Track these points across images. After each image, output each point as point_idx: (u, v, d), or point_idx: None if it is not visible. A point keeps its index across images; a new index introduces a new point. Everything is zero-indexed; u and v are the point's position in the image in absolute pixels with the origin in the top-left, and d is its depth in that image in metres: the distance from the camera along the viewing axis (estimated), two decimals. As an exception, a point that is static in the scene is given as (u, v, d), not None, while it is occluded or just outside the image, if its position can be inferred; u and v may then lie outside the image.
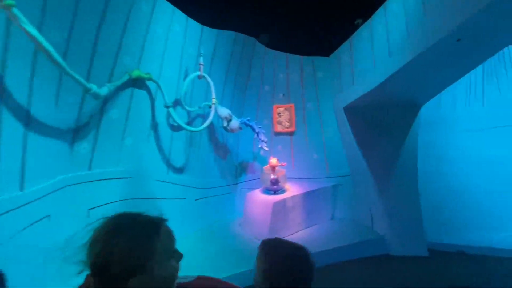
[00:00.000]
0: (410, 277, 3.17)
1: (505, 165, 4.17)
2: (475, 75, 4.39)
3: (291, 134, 4.62)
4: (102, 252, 0.62)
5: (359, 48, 3.69)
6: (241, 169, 4.56)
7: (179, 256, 0.71)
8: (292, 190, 3.91)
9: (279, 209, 3.54)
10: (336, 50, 4.24)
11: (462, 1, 2.00)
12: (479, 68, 4.24)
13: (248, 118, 4.16)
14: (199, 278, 0.86)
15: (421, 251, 3.59)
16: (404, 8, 2.79)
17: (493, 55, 2.96)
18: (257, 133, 4.01)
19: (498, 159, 4.20)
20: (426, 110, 4.19)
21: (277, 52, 4.57)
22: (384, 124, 3.94)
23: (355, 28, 3.70)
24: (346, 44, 3.97)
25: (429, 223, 3.80)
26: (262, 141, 3.98)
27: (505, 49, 4.20)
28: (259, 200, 3.74)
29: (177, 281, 0.72)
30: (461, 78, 3.32)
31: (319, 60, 4.53)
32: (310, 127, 4.57)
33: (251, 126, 4.02)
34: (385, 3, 3.13)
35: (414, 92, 3.53)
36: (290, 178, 4.26)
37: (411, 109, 3.87)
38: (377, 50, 3.26)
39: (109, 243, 0.62)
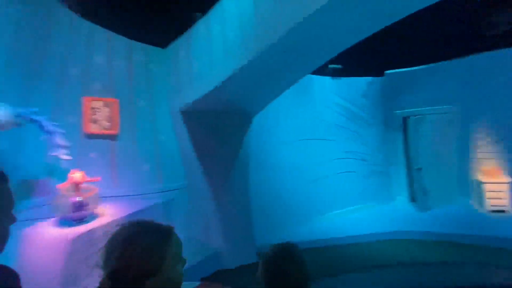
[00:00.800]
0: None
1: (307, 170, 5.31)
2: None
3: (112, 138, 3.52)
4: (122, 257, 0.69)
5: (196, 44, 3.32)
6: (24, 190, 2.91)
7: (183, 261, 0.80)
8: (107, 214, 2.87)
9: (83, 246, 2.42)
10: (173, 42, 3.70)
11: (292, 7, 2.01)
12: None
13: (36, 110, 2.70)
14: (202, 285, 0.94)
15: (252, 257, 3.70)
16: (237, 7, 2.66)
17: (315, 68, 3.22)
18: (48, 133, 2.64)
19: (303, 166, 5.29)
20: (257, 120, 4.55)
21: (93, 25, 3.37)
22: (222, 132, 3.82)
23: (194, 19, 3.31)
24: (184, 37, 3.51)
25: (259, 228, 4.04)
26: (59, 146, 2.67)
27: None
28: (45, 238, 2.41)
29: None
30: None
31: (154, 50, 3.80)
32: (141, 130, 3.71)
33: (37, 122, 2.60)
34: (222, -2, 2.90)
35: (248, 100, 3.62)
36: (109, 198, 3.17)
37: (245, 118, 4.01)
38: (215, 50, 3.00)
39: (128, 249, 0.70)
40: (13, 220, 0.73)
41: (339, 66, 4.93)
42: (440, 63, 5.03)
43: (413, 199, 5.88)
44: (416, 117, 5.42)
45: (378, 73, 5.34)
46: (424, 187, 5.60)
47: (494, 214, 5.10)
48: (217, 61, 2.93)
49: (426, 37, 3.85)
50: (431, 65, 5.10)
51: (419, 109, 5.56)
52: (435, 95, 5.39)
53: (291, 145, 5.04)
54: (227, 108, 3.64)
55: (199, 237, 3.74)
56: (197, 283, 0.93)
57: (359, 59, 4.99)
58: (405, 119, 5.73)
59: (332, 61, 4.98)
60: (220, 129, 3.79)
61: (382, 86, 5.58)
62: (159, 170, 3.78)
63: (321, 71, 5.07)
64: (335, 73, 5.09)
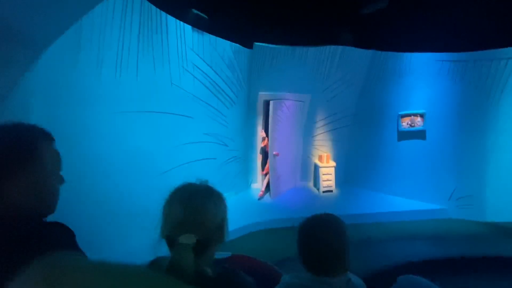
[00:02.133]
0: None
1: (156, 157, 3.68)
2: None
3: None
4: (198, 209, 0.68)
5: None
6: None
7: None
8: None
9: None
10: None
11: None
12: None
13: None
14: (234, 256, 0.97)
15: None
16: None
17: None
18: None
19: (149, 151, 3.60)
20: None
21: None
22: None
23: None
24: None
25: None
26: None
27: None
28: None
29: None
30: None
31: None
32: None
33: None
34: None
35: None
36: None
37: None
38: None
39: (201, 203, 0.70)
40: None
41: (204, 15, 3.61)
42: (303, 47, 4.93)
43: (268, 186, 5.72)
44: (276, 101, 5.13)
45: (248, 43, 4.53)
46: (277, 173, 5.53)
47: (324, 194, 5.81)
48: None
49: (310, 15, 3.41)
50: (296, 47, 4.92)
51: (280, 93, 5.33)
52: (294, 81, 5.32)
53: (129, 119, 3.23)
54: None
55: None
56: (228, 254, 0.95)
57: (229, 16, 3.89)
58: (267, 102, 5.36)
59: (197, 6, 3.57)
60: None
61: (250, 60, 4.87)
62: None
63: (181, 15, 3.54)
64: (198, 23, 3.71)
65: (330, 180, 5.90)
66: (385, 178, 5.79)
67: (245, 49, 4.64)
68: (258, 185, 5.90)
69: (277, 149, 5.37)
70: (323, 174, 5.87)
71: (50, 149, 0.68)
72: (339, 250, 0.85)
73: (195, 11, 3.57)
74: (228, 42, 4.34)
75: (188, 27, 3.78)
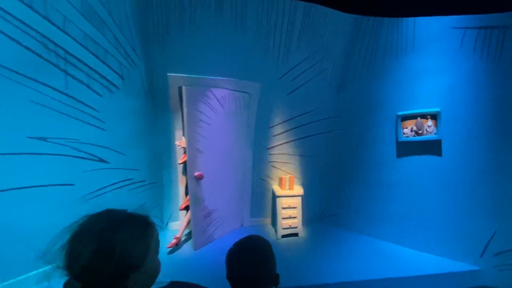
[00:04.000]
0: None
1: None
2: None
3: None
4: (101, 249, 0.59)
5: None
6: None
7: (158, 252, 0.75)
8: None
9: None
10: None
11: None
12: None
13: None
14: (172, 283, 0.84)
15: None
16: None
17: None
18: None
19: None
20: None
21: None
22: None
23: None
24: None
25: None
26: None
27: None
28: None
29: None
30: None
31: None
32: None
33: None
34: None
35: None
36: None
37: None
38: None
39: (108, 240, 0.61)
40: (159, 264, 0.75)
41: None
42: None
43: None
44: (193, 88, 3.11)
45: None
46: (203, 206, 3.39)
47: (285, 240, 3.65)
48: None
49: None
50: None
51: (206, 77, 3.31)
52: (228, 59, 3.32)
53: None
54: None
55: None
56: (167, 282, 0.83)
57: None
58: (180, 90, 3.31)
59: None
60: None
61: (146, 9, 2.85)
62: None
63: None
64: None
65: (294, 218, 3.76)
66: (380, 216, 3.69)
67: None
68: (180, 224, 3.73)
69: (202, 167, 3.27)
70: (283, 208, 3.75)
71: (155, 236, 0.74)
72: (260, 275, 0.86)
73: None
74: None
75: None
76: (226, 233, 3.73)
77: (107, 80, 2.74)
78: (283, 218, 3.73)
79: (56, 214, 2.27)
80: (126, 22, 2.72)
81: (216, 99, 3.31)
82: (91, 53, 2.56)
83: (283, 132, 3.93)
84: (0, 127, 2.11)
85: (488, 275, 2.99)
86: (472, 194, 3.19)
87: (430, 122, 3.49)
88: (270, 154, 3.99)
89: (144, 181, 3.29)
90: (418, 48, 3.48)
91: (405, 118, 3.57)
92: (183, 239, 3.49)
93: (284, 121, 3.90)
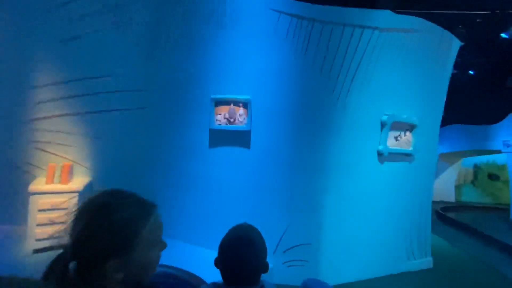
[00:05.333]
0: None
1: None
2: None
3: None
4: (87, 227, 0.58)
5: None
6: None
7: (162, 245, 0.69)
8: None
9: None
10: None
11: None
12: None
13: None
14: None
15: None
16: None
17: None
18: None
19: None
20: None
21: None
22: None
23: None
24: None
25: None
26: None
27: None
28: None
29: None
30: None
31: None
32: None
33: None
34: None
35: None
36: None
37: None
38: None
39: (95, 219, 0.60)
40: (164, 245, 0.71)
41: None
42: None
43: None
44: None
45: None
46: None
47: (37, 257, 2.49)
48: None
49: None
50: None
51: None
52: None
53: None
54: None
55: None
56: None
57: None
58: None
59: None
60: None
61: None
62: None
63: None
64: None
65: (64, 224, 2.62)
66: (187, 217, 3.11)
67: None
68: None
69: None
70: (41, 211, 2.56)
71: (151, 225, 0.66)
72: (250, 264, 0.87)
73: None
74: None
75: None
76: None
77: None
78: (40, 225, 2.56)
79: None
80: None
81: None
82: None
83: (56, 100, 2.70)
84: None
85: (278, 273, 2.88)
86: (271, 189, 3.07)
87: (242, 111, 3.16)
88: (34, 129, 2.69)
89: None
90: (237, 24, 3.02)
91: (219, 103, 3.10)
92: None
93: (57, 83, 2.67)
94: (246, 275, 0.87)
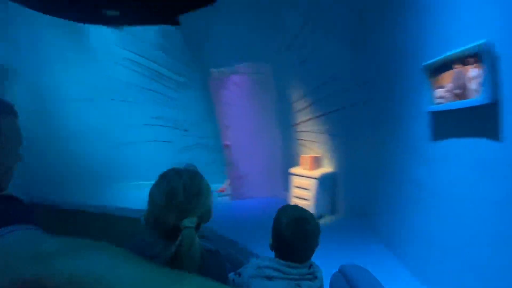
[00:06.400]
0: None
1: (106, 134, 4.86)
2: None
3: None
4: (170, 190, 0.72)
5: None
6: None
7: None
8: None
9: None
10: None
11: None
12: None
13: None
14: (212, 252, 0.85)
15: None
16: None
17: None
18: None
19: (100, 129, 4.85)
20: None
21: None
22: None
23: None
24: None
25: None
26: None
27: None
28: None
29: None
30: None
31: None
32: None
33: None
34: None
35: None
36: None
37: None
38: None
39: (182, 184, 0.73)
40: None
41: (115, 12, 4.07)
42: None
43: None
44: (215, 79, 4.17)
45: (171, 19, 4.15)
46: (237, 170, 4.39)
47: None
48: None
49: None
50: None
51: (229, 67, 4.22)
52: (239, 45, 3.95)
53: (77, 104, 4.64)
54: None
55: None
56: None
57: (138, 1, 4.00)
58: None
59: (107, 5, 4.16)
60: None
61: (183, 36, 4.38)
62: None
63: (95, 18, 4.31)
64: (112, 21, 4.23)
65: (307, 200, 3.57)
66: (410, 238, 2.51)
67: (173, 27, 4.27)
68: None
69: (231, 138, 4.28)
70: (296, 187, 3.70)
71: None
72: (309, 244, 0.92)
73: (107, 12, 4.20)
74: (151, 26, 4.33)
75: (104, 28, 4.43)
76: (256, 196, 4.39)
77: (176, 81, 4.67)
78: (295, 197, 3.71)
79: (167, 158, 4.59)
80: (177, 44, 4.45)
81: (233, 83, 4.08)
82: (164, 67, 4.60)
83: (305, 108, 3.70)
84: (138, 113, 4.77)
85: None
86: None
87: (474, 72, 1.64)
88: (297, 132, 3.94)
89: (212, 146, 4.95)
90: None
91: (437, 70, 1.99)
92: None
93: (305, 95, 3.65)
94: (310, 252, 0.93)
